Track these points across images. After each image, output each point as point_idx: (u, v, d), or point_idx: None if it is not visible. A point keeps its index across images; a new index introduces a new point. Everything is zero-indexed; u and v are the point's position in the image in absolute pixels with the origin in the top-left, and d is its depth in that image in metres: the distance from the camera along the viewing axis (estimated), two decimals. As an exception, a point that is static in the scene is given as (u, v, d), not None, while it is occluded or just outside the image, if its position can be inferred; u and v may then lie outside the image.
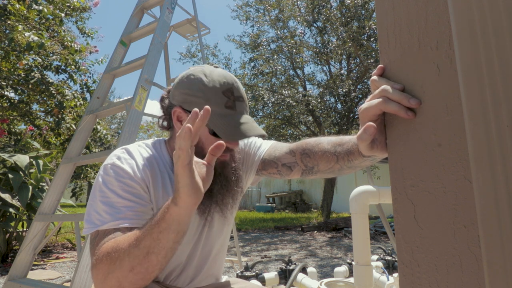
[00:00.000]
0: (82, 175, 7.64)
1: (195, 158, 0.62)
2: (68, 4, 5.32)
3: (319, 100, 8.37)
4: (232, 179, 0.83)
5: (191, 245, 0.83)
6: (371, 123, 0.50)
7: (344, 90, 8.11)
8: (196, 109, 0.56)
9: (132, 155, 0.79)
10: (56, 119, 5.02)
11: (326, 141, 0.81)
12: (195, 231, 0.84)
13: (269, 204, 14.94)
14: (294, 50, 9.05)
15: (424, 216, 0.42)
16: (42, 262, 4.17)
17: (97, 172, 8.17)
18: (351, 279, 1.84)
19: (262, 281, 2.17)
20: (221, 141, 0.60)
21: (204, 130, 0.78)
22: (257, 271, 2.23)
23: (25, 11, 4.25)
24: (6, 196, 3.65)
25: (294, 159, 0.84)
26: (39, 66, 4.98)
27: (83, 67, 5.48)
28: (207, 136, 0.78)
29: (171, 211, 0.58)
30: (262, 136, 0.79)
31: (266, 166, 0.89)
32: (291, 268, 2.30)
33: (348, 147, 0.75)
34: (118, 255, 0.60)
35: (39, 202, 3.89)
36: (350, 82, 8.20)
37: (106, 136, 5.53)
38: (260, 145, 0.93)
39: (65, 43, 4.96)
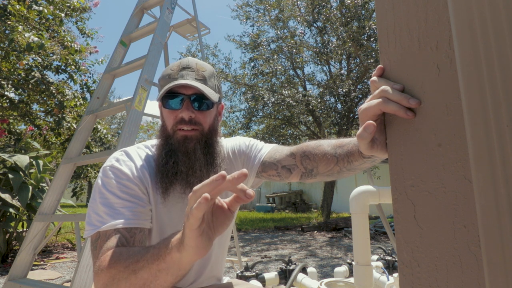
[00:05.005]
0: (82, 175, 7.65)
1: (217, 201, 0.54)
2: (68, 4, 5.32)
3: (319, 100, 8.37)
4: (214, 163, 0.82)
5: None
6: (370, 121, 0.50)
7: (344, 90, 8.12)
8: (223, 173, 0.47)
9: (131, 157, 0.80)
10: (57, 119, 5.02)
11: (326, 143, 0.81)
12: None
13: (269, 204, 14.94)
14: (294, 50, 9.05)
15: (424, 216, 0.42)
16: (42, 262, 4.17)
17: (97, 171, 8.17)
18: (351, 279, 1.84)
19: (262, 281, 2.17)
20: (249, 191, 0.50)
21: (160, 106, 0.83)
22: (257, 271, 2.23)
23: (25, 12, 4.25)
24: (6, 196, 3.65)
25: (294, 161, 0.84)
26: (39, 66, 4.98)
27: (83, 67, 5.48)
28: (163, 110, 0.82)
29: (173, 255, 0.54)
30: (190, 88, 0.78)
31: (266, 168, 0.89)
32: (291, 268, 2.30)
33: (348, 148, 0.75)
34: (117, 273, 0.60)
35: (39, 202, 3.89)
36: (350, 82, 8.20)
37: (106, 136, 5.53)
38: (261, 148, 0.93)
39: (65, 43, 4.96)
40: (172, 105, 0.79)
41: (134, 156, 0.80)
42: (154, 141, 0.88)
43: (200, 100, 0.79)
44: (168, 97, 0.79)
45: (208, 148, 0.81)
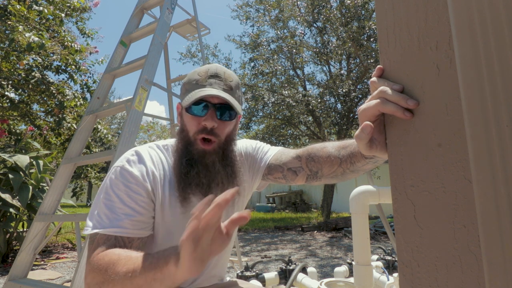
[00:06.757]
0: (82, 175, 7.65)
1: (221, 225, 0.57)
2: (68, 4, 5.32)
3: (319, 100, 8.37)
4: (230, 173, 0.82)
5: None
6: (368, 122, 0.50)
7: (344, 90, 8.12)
8: (210, 197, 0.53)
9: (142, 159, 0.80)
10: (57, 119, 5.02)
11: (330, 145, 0.82)
12: None
13: (269, 204, 14.94)
14: (294, 50, 9.05)
15: (424, 216, 0.42)
16: (42, 262, 4.17)
17: (97, 172, 8.17)
18: (351, 279, 1.84)
19: (262, 281, 2.17)
20: (244, 214, 0.53)
21: (181, 108, 0.83)
22: (257, 271, 2.23)
23: (25, 12, 4.25)
24: (7, 196, 3.65)
25: (299, 163, 0.84)
26: (39, 66, 4.98)
27: (83, 67, 5.48)
28: (185, 115, 0.81)
29: (170, 268, 0.56)
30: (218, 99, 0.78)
31: (272, 171, 0.89)
32: (291, 268, 2.30)
33: (351, 149, 0.75)
34: (113, 277, 0.61)
35: (39, 202, 3.89)
36: (350, 82, 8.20)
37: (106, 136, 5.53)
38: (267, 150, 0.94)
39: (65, 44, 4.97)
40: (197, 112, 0.78)
41: (145, 157, 0.80)
42: (166, 142, 0.87)
43: (224, 111, 0.79)
44: (193, 103, 0.78)
45: (226, 159, 0.82)
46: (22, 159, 3.73)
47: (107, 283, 0.61)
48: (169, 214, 0.79)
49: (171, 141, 0.88)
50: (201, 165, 0.78)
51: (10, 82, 4.81)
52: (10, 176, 3.68)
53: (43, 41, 3.82)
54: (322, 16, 8.20)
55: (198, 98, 0.75)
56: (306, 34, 9.36)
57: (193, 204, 0.79)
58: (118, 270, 0.61)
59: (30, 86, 4.87)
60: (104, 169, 12.36)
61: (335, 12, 8.13)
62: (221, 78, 0.80)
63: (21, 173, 3.83)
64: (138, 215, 0.73)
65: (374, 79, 0.52)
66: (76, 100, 5.21)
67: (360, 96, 8.37)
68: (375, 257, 2.58)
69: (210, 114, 0.77)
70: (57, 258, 4.46)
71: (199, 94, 0.75)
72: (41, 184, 4.13)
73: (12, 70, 4.80)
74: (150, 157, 0.81)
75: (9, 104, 5.00)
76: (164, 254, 0.59)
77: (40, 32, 4.28)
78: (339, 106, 8.88)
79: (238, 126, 0.92)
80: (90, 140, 6.22)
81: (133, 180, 0.75)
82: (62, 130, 5.19)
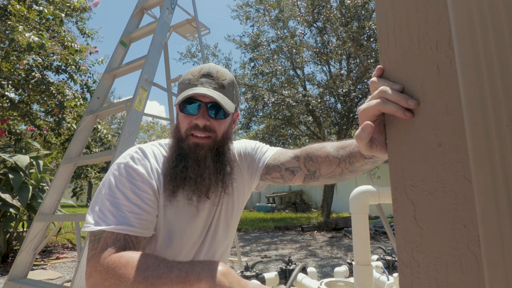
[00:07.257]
0: (82, 175, 7.66)
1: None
2: (68, 4, 5.33)
3: (319, 100, 8.38)
4: (224, 169, 0.81)
5: (195, 249, 0.83)
6: (368, 122, 0.50)
7: (344, 90, 8.12)
8: None
9: (147, 156, 0.79)
10: (57, 119, 5.02)
11: (329, 145, 0.82)
12: (199, 234, 0.84)
13: (269, 204, 14.95)
14: (294, 50, 9.06)
15: (424, 216, 0.42)
16: (42, 262, 4.17)
17: (97, 171, 8.18)
18: (351, 279, 1.84)
19: (262, 281, 2.17)
20: None
21: (177, 108, 0.83)
22: (257, 271, 2.23)
23: (25, 12, 4.25)
24: (7, 196, 3.65)
25: (297, 163, 0.84)
26: (40, 66, 4.98)
27: (83, 67, 5.49)
28: (179, 114, 0.82)
29: (202, 286, 0.58)
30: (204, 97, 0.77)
31: (270, 171, 0.89)
32: (291, 268, 2.30)
33: (350, 149, 0.75)
34: (131, 282, 0.60)
35: (39, 202, 3.89)
36: (350, 82, 8.20)
37: (106, 136, 5.53)
38: (266, 151, 0.94)
39: (65, 44, 4.97)
40: (189, 111, 0.78)
41: (149, 154, 0.80)
42: (168, 140, 0.87)
43: (216, 109, 0.79)
44: (185, 102, 0.78)
45: (219, 156, 0.81)
46: (22, 159, 3.73)
47: (122, 287, 0.60)
48: (170, 213, 0.79)
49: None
50: (191, 159, 0.78)
51: (10, 82, 4.81)
52: (10, 176, 3.68)
53: (43, 41, 3.82)
54: (322, 16, 8.20)
55: (185, 97, 0.75)
56: (306, 34, 9.37)
57: (180, 199, 0.78)
58: (138, 275, 0.60)
59: (30, 86, 4.87)
60: (104, 169, 12.36)
61: (335, 12, 8.14)
62: (212, 77, 0.80)
63: (21, 173, 3.83)
64: (144, 213, 0.72)
65: (374, 79, 0.52)
66: (76, 100, 5.21)
67: (360, 96, 8.38)
68: (375, 257, 2.58)
69: (202, 113, 0.78)
70: (57, 258, 4.46)
71: (186, 93, 0.75)
72: (41, 184, 4.13)
73: (12, 70, 4.80)
74: (153, 154, 0.81)
75: (9, 104, 5.00)
76: (194, 269, 0.58)
77: (40, 32, 4.28)
78: (339, 106, 8.89)
79: (236, 125, 0.92)
80: (90, 140, 6.23)
81: (138, 178, 0.74)
82: (62, 130, 5.19)
